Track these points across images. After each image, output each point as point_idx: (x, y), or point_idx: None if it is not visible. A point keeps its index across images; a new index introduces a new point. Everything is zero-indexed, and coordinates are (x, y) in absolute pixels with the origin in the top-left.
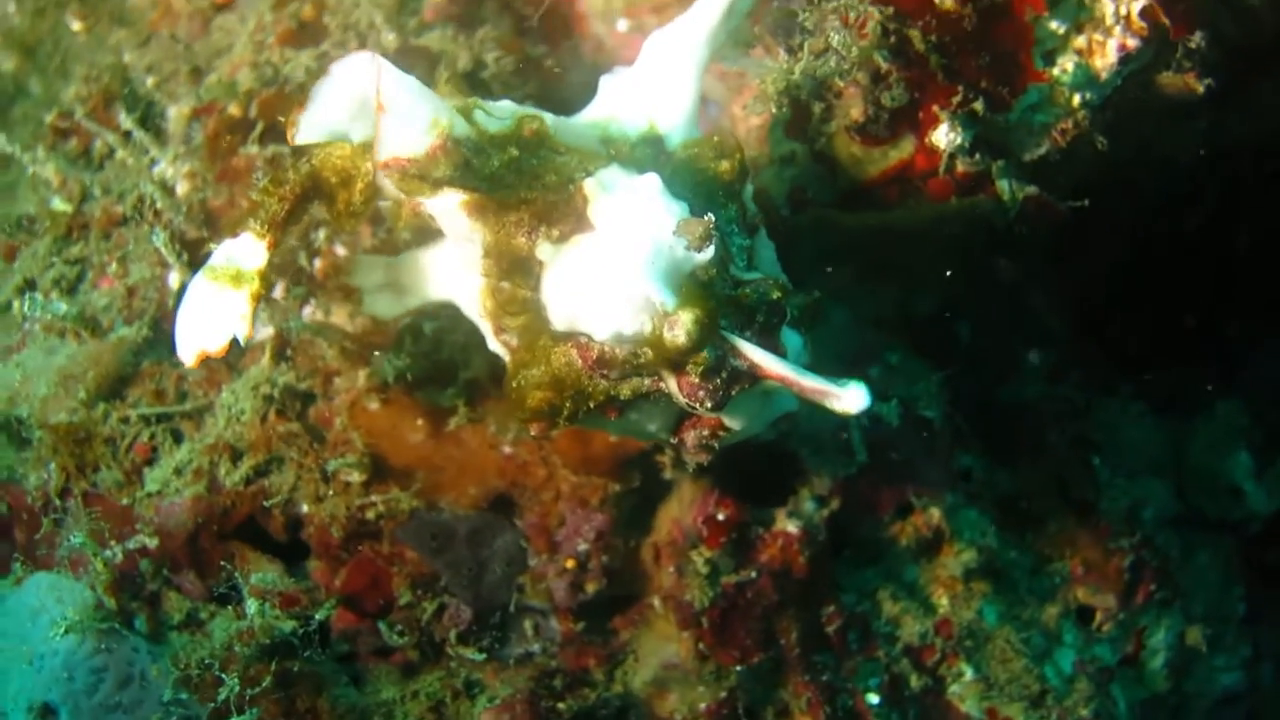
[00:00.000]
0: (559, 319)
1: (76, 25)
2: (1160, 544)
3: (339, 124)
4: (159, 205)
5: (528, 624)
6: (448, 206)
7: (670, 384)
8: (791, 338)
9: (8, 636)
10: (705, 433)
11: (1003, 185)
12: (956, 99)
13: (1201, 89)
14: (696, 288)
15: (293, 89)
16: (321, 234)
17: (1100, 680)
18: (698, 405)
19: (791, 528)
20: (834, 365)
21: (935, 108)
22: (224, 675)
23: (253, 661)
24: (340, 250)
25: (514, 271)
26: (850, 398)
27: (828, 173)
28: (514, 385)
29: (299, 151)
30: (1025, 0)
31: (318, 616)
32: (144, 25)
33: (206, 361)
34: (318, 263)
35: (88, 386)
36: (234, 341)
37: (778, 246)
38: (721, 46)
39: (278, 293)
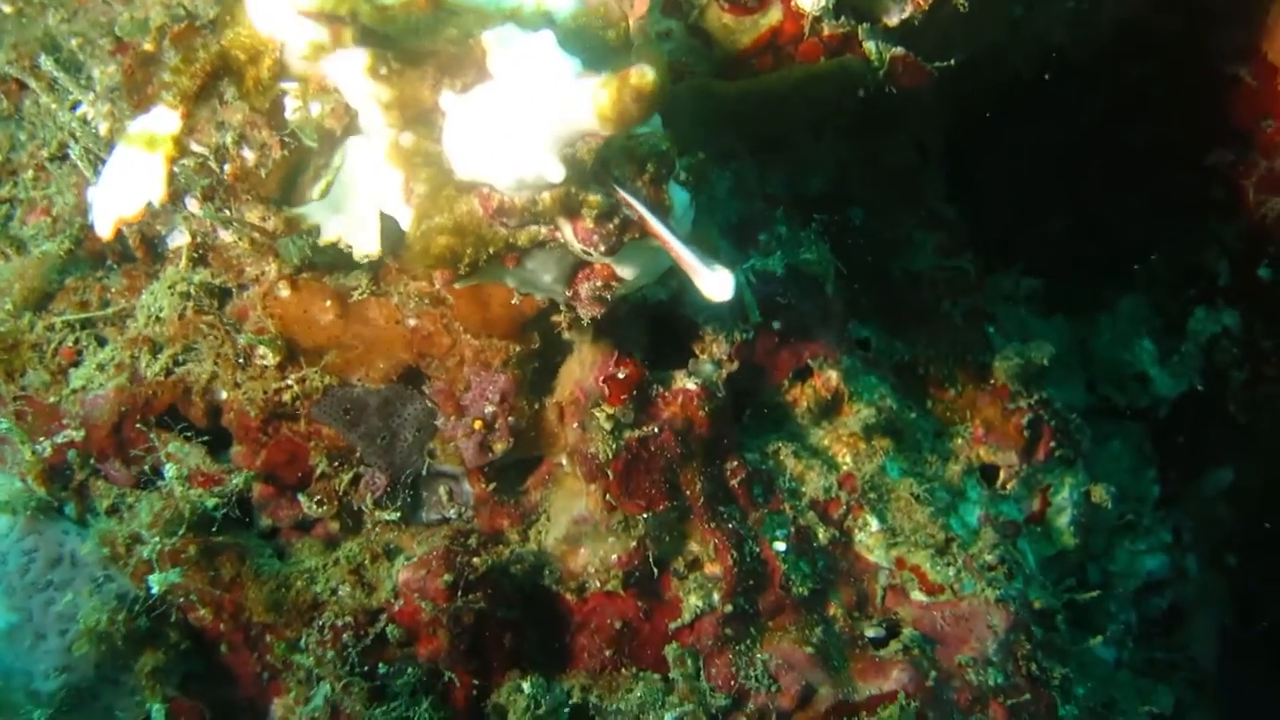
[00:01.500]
0: (461, 167)
1: (7, 8)
2: (1059, 408)
3: None
4: (79, 135)
5: (442, 490)
6: (351, 71)
7: (565, 230)
8: (679, 193)
9: None
10: (599, 283)
11: (869, 46)
12: None
13: None
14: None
15: (203, 23)
16: (229, 138)
17: (1006, 533)
18: (592, 250)
19: (691, 385)
20: (719, 233)
21: None
22: (146, 535)
23: (175, 529)
24: (248, 155)
25: (417, 122)
26: (716, 281)
27: (703, 45)
28: (418, 232)
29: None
30: None
31: (235, 482)
32: (73, 3)
33: (128, 268)
34: (227, 168)
35: (14, 299)
36: (150, 210)
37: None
38: None
39: (193, 204)
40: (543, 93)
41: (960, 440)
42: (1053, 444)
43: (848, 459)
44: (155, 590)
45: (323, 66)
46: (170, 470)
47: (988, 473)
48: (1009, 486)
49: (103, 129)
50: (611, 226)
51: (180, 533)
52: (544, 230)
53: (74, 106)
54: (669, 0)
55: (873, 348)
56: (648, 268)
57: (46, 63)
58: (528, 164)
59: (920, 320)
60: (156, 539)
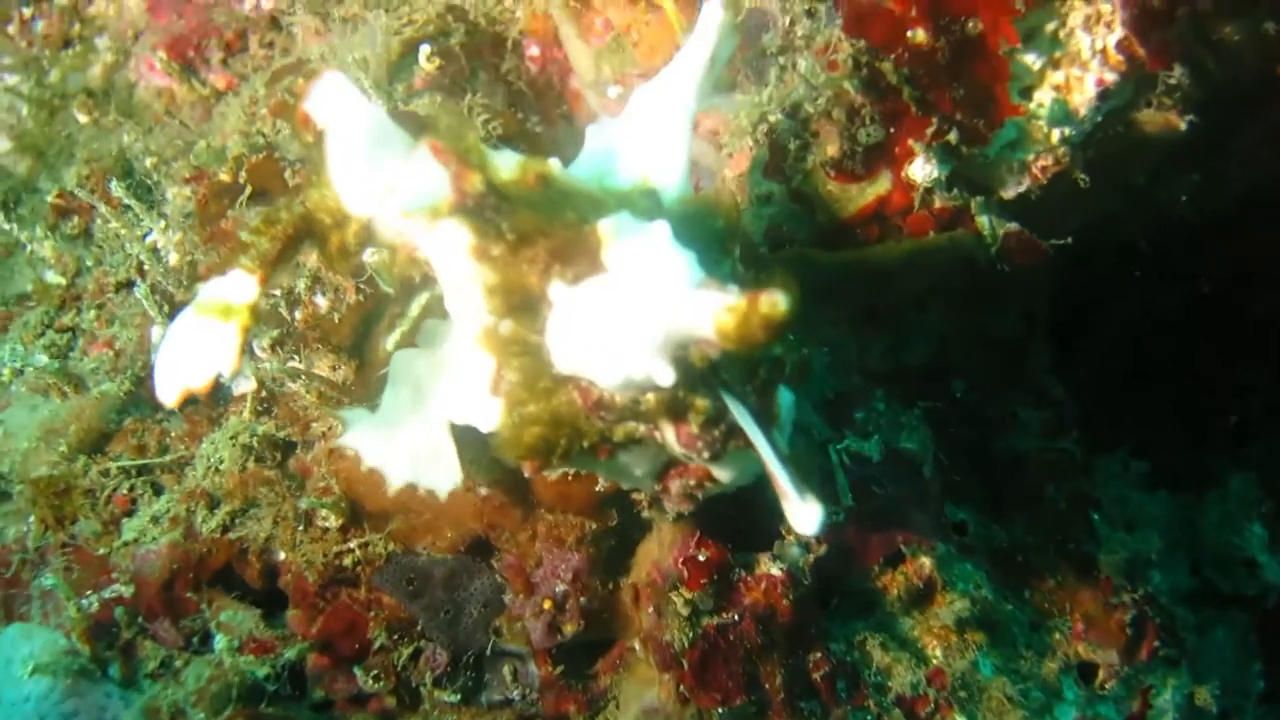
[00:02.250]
0: (564, 362)
1: (83, 118)
2: (1165, 603)
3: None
4: (147, 268)
5: (506, 670)
6: (451, 249)
7: (667, 432)
8: (784, 395)
9: None
10: (691, 482)
11: (982, 221)
12: (931, 130)
13: (1184, 125)
14: None
15: (281, 155)
16: (301, 284)
17: None
18: (695, 455)
19: (775, 570)
20: (814, 408)
21: (910, 141)
22: (190, 711)
23: (223, 704)
24: (321, 301)
25: (521, 310)
26: (805, 513)
27: (805, 211)
28: (510, 421)
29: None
30: (998, 33)
31: (288, 655)
32: (149, 116)
33: (189, 412)
34: (298, 314)
35: (69, 440)
36: (218, 382)
37: None
38: (707, 96)
39: (260, 350)
40: (659, 294)
41: (1059, 635)
42: (1156, 643)
43: (938, 652)
44: None
45: (417, 239)
46: (220, 641)
47: (1086, 670)
48: (1108, 686)
49: (173, 259)
50: (717, 434)
51: (227, 711)
52: (643, 428)
53: (144, 235)
54: (771, 163)
55: (970, 532)
56: (745, 471)
57: (118, 189)
58: (637, 365)
59: (1022, 504)
60: (202, 715)
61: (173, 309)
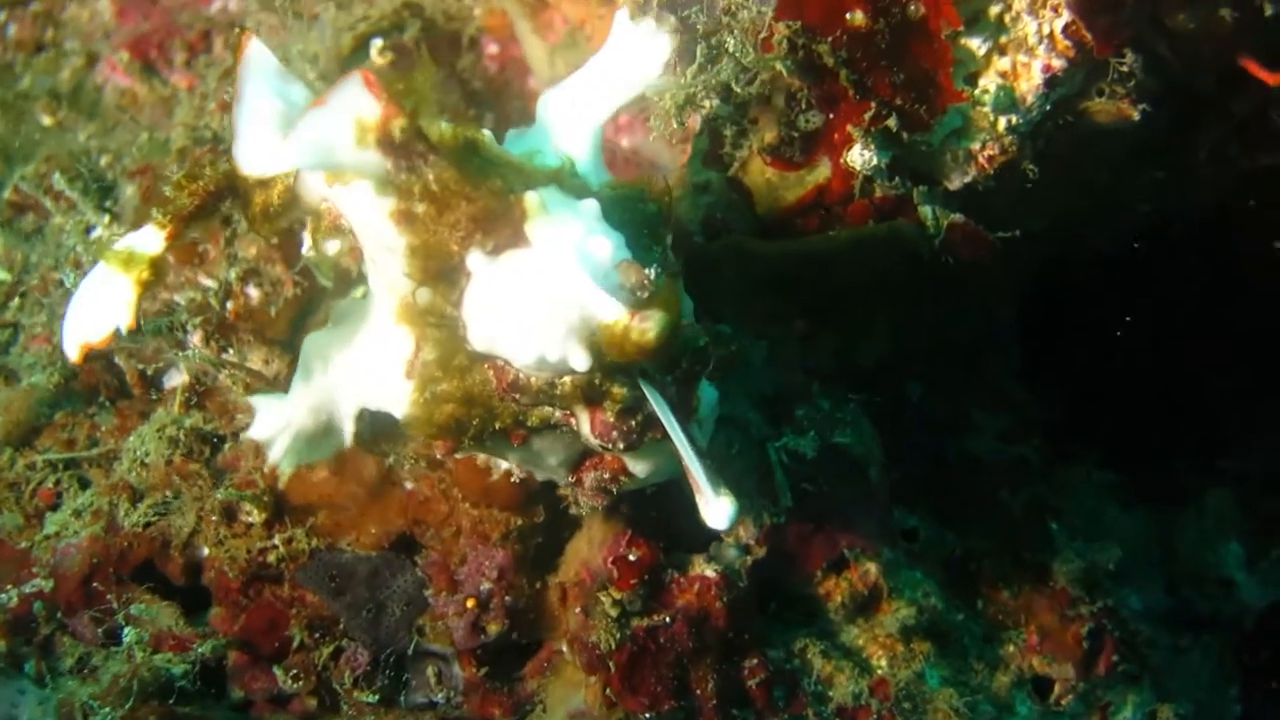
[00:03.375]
0: (479, 338)
1: (47, 120)
2: (1125, 616)
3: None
4: (84, 261)
5: (430, 671)
6: (372, 211)
7: (582, 419)
8: (707, 391)
9: None
10: (606, 475)
11: (925, 211)
12: (869, 115)
13: (1137, 115)
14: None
15: (225, 148)
16: (234, 273)
17: None
18: (609, 445)
19: (710, 572)
20: (751, 405)
21: (849, 127)
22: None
23: (136, 702)
24: (253, 291)
25: (438, 278)
26: (716, 509)
27: (744, 200)
28: (423, 398)
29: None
30: (940, 15)
31: (200, 650)
32: (110, 117)
33: (121, 406)
34: (230, 305)
35: None
36: (118, 334)
37: (691, 276)
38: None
39: (195, 340)
40: (581, 275)
41: (1012, 647)
42: (1115, 658)
43: (883, 662)
44: None
45: (340, 202)
46: (129, 635)
47: (1041, 685)
48: (1064, 702)
49: None
50: (633, 423)
51: (129, 704)
52: (558, 413)
53: (88, 229)
54: (710, 151)
55: (920, 538)
56: (662, 467)
57: (60, 181)
58: (552, 347)
59: (976, 510)
60: (107, 711)
61: None
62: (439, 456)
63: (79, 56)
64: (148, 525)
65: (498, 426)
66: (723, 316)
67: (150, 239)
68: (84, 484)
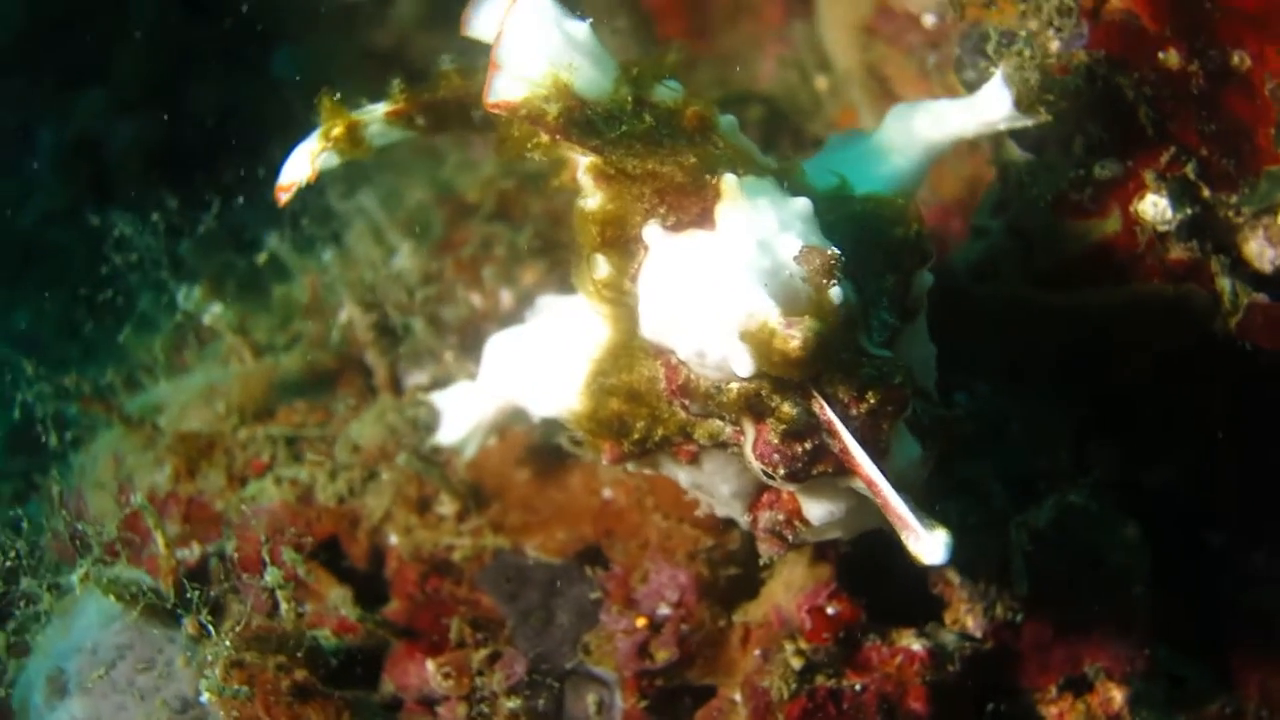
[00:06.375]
0: (650, 323)
1: None
2: None
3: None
4: None
5: (591, 699)
6: (582, 168)
7: (747, 436)
8: (909, 445)
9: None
10: (780, 516)
11: (1223, 283)
12: (1166, 156)
13: None
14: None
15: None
16: None
17: None
18: (770, 469)
19: (916, 646)
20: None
21: (1144, 173)
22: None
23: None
24: None
25: (614, 246)
26: (929, 543)
27: (1021, 249)
28: (591, 388)
29: None
30: (1265, 67)
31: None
32: None
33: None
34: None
35: (229, 401)
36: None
37: (952, 321)
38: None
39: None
40: (747, 269)
41: None
42: None
43: None
44: (205, 699)
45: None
46: (284, 602)
47: None
48: None
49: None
50: (799, 449)
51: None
52: (728, 430)
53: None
54: (1001, 199)
55: (1187, 688)
56: (843, 519)
57: None
58: (713, 342)
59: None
60: (228, 644)
61: None
62: (605, 463)
63: None
64: (341, 500)
65: (662, 434)
66: (980, 372)
67: (373, 109)
68: (297, 461)
